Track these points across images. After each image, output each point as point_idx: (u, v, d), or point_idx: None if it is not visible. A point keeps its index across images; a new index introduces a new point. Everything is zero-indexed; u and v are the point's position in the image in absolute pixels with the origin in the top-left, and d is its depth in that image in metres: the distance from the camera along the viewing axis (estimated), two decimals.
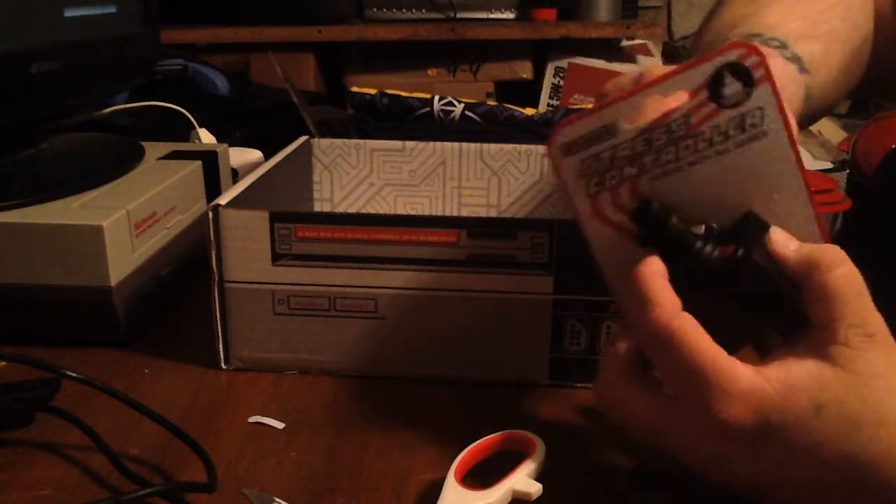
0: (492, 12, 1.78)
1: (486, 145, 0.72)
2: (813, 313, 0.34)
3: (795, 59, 0.47)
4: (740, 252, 0.35)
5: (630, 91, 0.36)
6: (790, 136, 0.36)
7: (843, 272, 0.34)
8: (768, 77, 0.35)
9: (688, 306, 0.35)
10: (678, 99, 0.36)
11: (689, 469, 0.37)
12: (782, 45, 0.47)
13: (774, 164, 0.36)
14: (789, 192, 0.37)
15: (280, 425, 0.48)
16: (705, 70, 0.35)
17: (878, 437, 0.32)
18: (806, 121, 0.51)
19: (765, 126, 0.36)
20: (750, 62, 0.35)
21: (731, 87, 0.35)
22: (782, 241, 0.36)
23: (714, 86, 0.35)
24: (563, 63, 1.81)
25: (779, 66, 0.46)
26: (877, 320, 0.33)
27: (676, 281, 0.36)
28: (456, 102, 0.86)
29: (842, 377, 0.33)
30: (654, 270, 0.36)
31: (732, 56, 0.35)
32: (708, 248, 0.36)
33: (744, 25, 0.50)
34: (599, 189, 0.38)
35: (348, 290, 0.51)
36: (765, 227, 0.36)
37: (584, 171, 0.37)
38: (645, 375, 0.37)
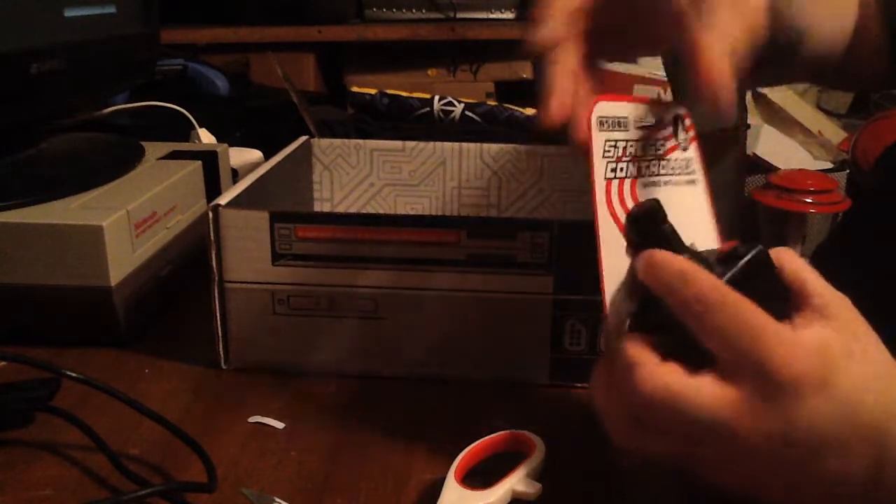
0: (492, 12, 1.77)
1: (486, 145, 0.72)
2: (797, 292, 0.35)
3: None
4: (746, 251, 0.35)
5: (635, 98, 0.40)
6: (710, 192, 0.42)
7: (802, 262, 0.36)
8: (696, 139, 0.42)
9: None
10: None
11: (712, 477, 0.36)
12: None
13: (699, 210, 0.42)
14: (708, 240, 0.41)
15: (280, 425, 0.48)
16: (673, 110, 0.42)
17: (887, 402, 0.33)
18: (793, 44, 0.46)
19: (696, 176, 0.42)
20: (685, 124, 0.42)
21: (682, 135, 0.42)
22: None
23: (675, 127, 0.41)
24: None
25: None
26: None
27: None
28: (456, 102, 0.86)
29: (847, 330, 0.34)
30: (667, 253, 0.36)
31: (681, 110, 0.42)
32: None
33: None
34: (613, 176, 0.39)
35: (348, 290, 0.51)
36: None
37: (605, 153, 0.39)
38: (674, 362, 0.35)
